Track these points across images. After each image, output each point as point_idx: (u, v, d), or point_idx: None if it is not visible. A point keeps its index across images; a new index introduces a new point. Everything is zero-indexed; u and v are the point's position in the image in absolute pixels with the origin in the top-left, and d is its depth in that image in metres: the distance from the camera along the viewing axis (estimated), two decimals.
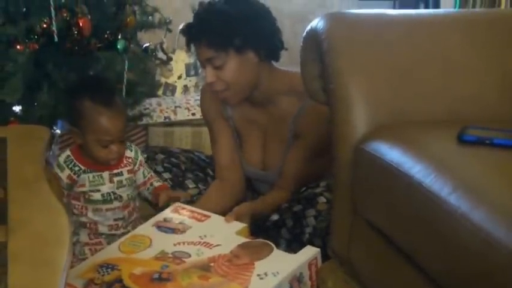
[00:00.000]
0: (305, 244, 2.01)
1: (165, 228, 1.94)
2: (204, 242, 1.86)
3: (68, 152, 2.03)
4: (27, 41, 2.22)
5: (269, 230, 2.06)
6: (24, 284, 1.07)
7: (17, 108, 2.34)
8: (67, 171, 1.99)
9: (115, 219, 2.03)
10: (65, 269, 1.10)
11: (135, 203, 2.10)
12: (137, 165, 2.08)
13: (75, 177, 2.00)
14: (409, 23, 1.81)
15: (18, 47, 2.22)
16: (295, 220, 2.06)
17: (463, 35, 1.76)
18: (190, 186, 2.24)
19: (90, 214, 2.02)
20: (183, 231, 1.92)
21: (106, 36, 2.41)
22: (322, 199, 2.06)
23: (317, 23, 1.73)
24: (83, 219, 2.03)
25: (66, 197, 2.02)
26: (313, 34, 1.74)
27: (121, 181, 2.04)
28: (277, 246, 1.90)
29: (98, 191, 2.01)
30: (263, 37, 2.11)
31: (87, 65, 2.37)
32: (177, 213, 2.00)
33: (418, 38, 1.75)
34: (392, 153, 1.46)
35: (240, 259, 1.78)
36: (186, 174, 2.27)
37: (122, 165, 2.05)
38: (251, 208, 2.12)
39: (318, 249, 1.81)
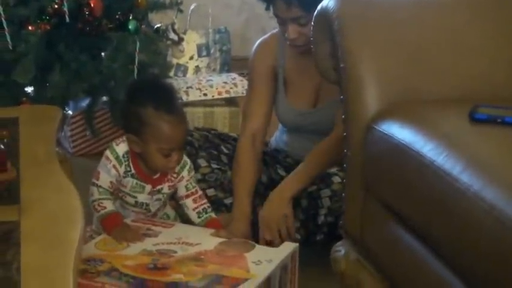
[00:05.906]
0: (320, 225, 2.03)
1: None
2: (184, 242, 1.81)
3: (126, 148, 1.90)
4: (38, 21, 2.22)
5: None
6: (37, 263, 1.08)
7: (29, 89, 2.34)
8: (123, 168, 1.90)
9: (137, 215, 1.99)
10: (78, 248, 1.10)
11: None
12: (177, 180, 1.98)
13: (123, 175, 1.92)
14: (419, 1, 1.80)
15: (30, 27, 2.21)
16: (309, 200, 2.07)
17: (472, 13, 1.75)
18: (203, 165, 2.23)
19: (117, 204, 1.96)
20: (155, 236, 1.85)
21: (117, 16, 2.40)
22: (337, 179, 2.06)
23: (328, 2, 1.73)
24: None
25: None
26: (324, 13, 1.73)
27: (159, 197, 1.98)
28: None
29: (134, 197, 1.95)
30: None
31: (98, 46, 2.37)
32: (140, 223, 1.93)
33: (428, 16, 1.74)
34: (403, 132, 1.46)
35: (228, 252, 1.77)
36: (199, 153, 2.26)
37: (165, 180, 1.96)
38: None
39: (297, 244, 1.84)
